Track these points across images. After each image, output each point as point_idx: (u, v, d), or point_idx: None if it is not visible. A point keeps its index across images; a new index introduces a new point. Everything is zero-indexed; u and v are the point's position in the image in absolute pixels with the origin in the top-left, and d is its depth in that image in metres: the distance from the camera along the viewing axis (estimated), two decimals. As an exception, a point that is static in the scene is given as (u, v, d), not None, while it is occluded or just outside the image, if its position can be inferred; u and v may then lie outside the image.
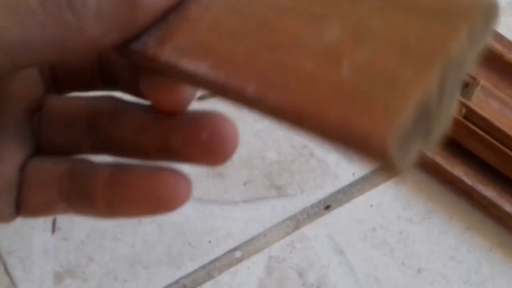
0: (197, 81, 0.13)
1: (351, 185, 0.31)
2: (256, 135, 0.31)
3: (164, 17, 0.14)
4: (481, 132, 0.28)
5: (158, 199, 0.16)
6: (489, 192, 0.29)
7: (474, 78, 0.30)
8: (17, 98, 0.17)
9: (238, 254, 0.31)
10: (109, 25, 0.13)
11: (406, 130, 0.10)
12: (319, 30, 0.12)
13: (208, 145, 0.16)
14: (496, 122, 0.28)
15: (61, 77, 0.18)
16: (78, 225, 0.30)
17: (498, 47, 0.30)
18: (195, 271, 0.30)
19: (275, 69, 0.12)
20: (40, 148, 0.18)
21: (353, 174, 0.31)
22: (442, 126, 0.12)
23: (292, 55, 0.12)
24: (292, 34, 0.12)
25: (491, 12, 0.11)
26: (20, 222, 0.30)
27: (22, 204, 0.18)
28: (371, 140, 0.10)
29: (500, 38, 0.30)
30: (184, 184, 0.17)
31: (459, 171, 0.29)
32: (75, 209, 0.18)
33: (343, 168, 0.31)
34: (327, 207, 0.31)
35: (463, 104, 0.28)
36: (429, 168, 0.30)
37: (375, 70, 0.10)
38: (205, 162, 0.17)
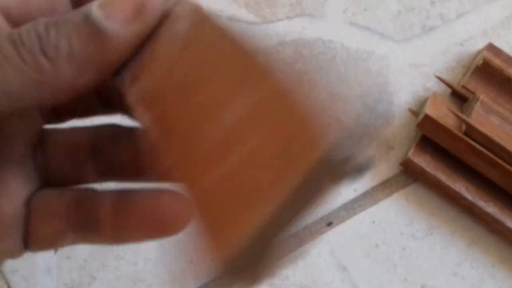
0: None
1: (353, 201, 0.31)
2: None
3: (138, 52, 0.15)
4: (481, 148, 0.28)
5: (161, 223, 0.17)
6: (490, 208, 0.29)
7: (473, 93, 0.31)
8: (16, 135, 0.17)
9: (240, 271, 0.31)
10: (82, 66, 0.14)
11: (238, 256, 0.11)
12: (225, 109, 0.12)
13: None
14: (496, 138, 0.28)
15: (58, 106, 0.18)
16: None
17: (497, 62, 0.30)
18: (198, 290, 0.30)
19: (188, 145, 0.12)
20: (45, 180, 0.18)
21: (355, 190, 0.31)
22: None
23: (202, 129, 0.12)
24: (208, 104, 0.12)
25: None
26: (23, 241, 0.30)
27: (30, 238, 0.18)
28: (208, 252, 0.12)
29: (498, 52, 0.31)
30: (184, 206, 0.17)
31: (460, 187, 0.29)
32: (82, 239, 0.18)
33: (344, 184, 0.31)
34: (329, 224, 0.31)
35: (463, 121, 0.28)
36: (430, 184, 0.30)
37: (237, 184, 0.11)
38: None
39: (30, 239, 0.18)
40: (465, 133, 0.28)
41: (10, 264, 0.30)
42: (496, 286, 0.30)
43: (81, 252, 0.30)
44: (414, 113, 0.31)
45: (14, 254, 0.18)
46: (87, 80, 0.14)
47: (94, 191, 0.18)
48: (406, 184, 0.31)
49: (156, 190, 0.17)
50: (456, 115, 0.29)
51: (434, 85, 0.32)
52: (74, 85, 0.14)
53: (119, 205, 0.18)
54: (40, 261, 0.30)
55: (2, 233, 0.17)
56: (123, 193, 0.18)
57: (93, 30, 0.14)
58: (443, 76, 0.32)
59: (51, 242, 0.18)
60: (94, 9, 0.14)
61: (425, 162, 0.29)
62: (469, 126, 0.28)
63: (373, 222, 0.31)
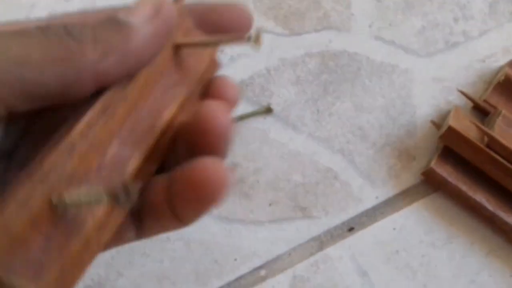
0: None
1: (374, 208, 0.32)
2: (281, 158, 0.32)
3: None
4: (503, 160, 0.29)
5: (209, 187, 0.17)
6: (510, 218, 0.30)
7: (494, 108, 0.32)
8: None
9: (263, 272, 0.31)
10: (106, 48, 0.15)
11: None
12: None
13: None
14: (517, 151, 0.29)
15: None
16: (109, 240, 0.31)
17: (518, 78, 0.31)
18: (221, 288, 0.31)
19: None
20: None
21: (377, 197, 0.32)
22: None
23: None
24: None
25: None
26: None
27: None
28: None
29: (519, 69, 0.32)
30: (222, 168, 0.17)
31: (481, 197, 0.30)
32: (146, 231, 0.21)
33: (366, 191, 0.32)
34: (351, 229, 0.32)
35: (485, 133, 0.29)
36: (451, 194, 0.31)
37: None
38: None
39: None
40: (487, 145, 0.29)
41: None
42: (514, 297, 0.31)
43: (109, 250, 0.31)
44: (436, 125, 0.32)
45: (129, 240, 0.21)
46: (110, 65, 0.15)
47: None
48: (426, 194, 0.32)
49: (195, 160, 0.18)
50: (478, 127, 0.29)
51: (456, 99, 0.33)
52: (98, 69, 0.15)
53: (169, 185, 0.18)
54: (69, 255, 0.31)
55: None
56: (170, 175, 0.19)
57: (117, 23, 0.16)
58: (465, 91, 0.33)
59: (117, 242, 0.20)
60: (119, 11, 0.16)
61: (446, 173, 0.30)
62: (491, 138, 0.29)
63: (394, 229, 0.32)
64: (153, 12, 0.16)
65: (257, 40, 0.17)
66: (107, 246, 0.18)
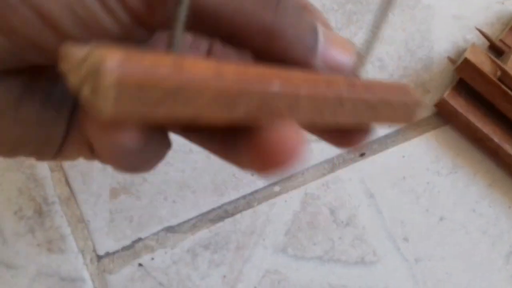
0: None
1: (386, 137, 0.34)
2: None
3: None
4: (513, 94, 0.30)
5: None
6: (514, 151, 0.32)
7: (510, 47, 0.33)
8: None
9: (277, 188, 0.33)
10: None
11: None
12: None
13: None
14: (528, 86, 0.30)
15: None
16: (135, 148, 0.33)
17: (537, 20, 0.32)
18: (237, 199, 0.33)
19: None
20: None
21: (389, 126, 0.34)
22: None
23: None
24: None
25: None
26: (83, 141, 0.33)
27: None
28: None
29: (539, 11, 0.33)
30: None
31: (488, 129, 0.32)
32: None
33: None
34: (362, 155, 0.34)
35: (498, 67, 0.31)
36: (461, 125, 0.32)
37: None
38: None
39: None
40: (499, 79, 0.31)
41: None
42: (510, 225, 0.33)
43: (135, 155, 0.33)
44: (452, 61, 0.33)
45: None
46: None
47: None
48: (437, 126, 0.34)
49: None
50: (493, 61, 0.31)
51: (474, 38, 0.34)
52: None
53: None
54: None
55: None
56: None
57: None
58: (483, 30, 0.34)
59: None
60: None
61: (458, 104, 0.32)
62: (504, 72, 0.30)
63: (403, 156, 0.34)
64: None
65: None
66: None
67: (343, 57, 0.17)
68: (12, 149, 0.18)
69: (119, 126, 0.13)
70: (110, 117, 0.11)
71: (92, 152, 0.20)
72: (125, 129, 0.13)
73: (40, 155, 0.19)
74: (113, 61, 0.10)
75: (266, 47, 0.15)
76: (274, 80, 0.13)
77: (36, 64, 0.16)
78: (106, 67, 0.10)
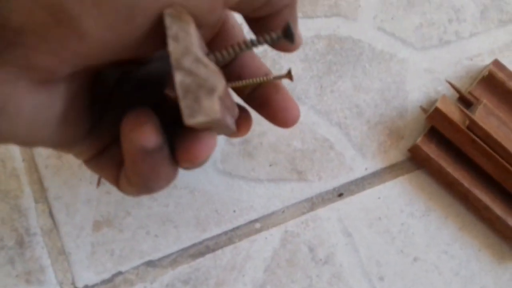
0: None
1: (363, 179, 0.35)
2: (285, 125, 0.36)
3: None
4: (480, 142, 0.32)
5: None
6: (483, 196, 0.33)
7: (477, 99, 0.35)
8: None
9: (258, 225, 0.34)
10: None
11: None
12: None
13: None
14: (494, 135, 0.32)
15: None
16: (121, 182, 0.34)
17: (501, 75, 0.35)
18: (218, 235, 0.34)
19: None
20: None
21: (366, 169, 0.36)
22: None
23: None
24: None
25: None
26: (70, 174, 0.34)
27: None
28: None
29: (502, 68, 0.36)
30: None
31: (459, 174, 0.34)
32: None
33: (357, 162, 0.36)
34: (340, 195, 0.35)
35: (467, 116, 0.33)
36: (433, 170, 0.34)
37: None
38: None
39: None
40: (468, 128, 0.33)
41: (55, 191, 0.34)
42: (480, 268, 0.34)
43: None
44: (425, 110, 0.36)
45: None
46: None
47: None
48: (410, 170, 0.36)
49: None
50: (462, 110, 0.33)
51: (444, 90, 0.37)
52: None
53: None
54: (83, 192, 0.34)
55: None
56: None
57: None
58: (453, 83, 0.36)
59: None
60: None
61: (430, 150, 0.34)
62: (472, 121, 0.33)
63: (379, 198, 0.35)
64: None
65: (290, 76, 0.24)
66: None
67: None
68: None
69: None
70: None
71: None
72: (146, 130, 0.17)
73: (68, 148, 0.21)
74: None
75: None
76: None
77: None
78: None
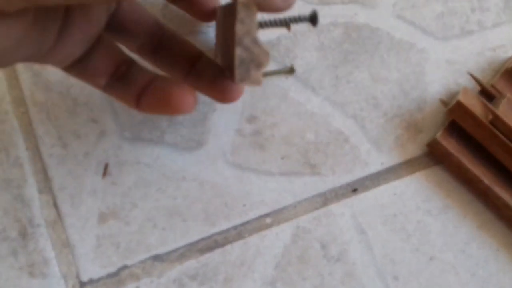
0: None
1: (379, 174, 0.34)
2: (298, 116, 0.34)
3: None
4: (503, 138, 0.31)
5: (170, 107, 0.25)
6: (503, 193, 0.32)
7: (500, 93, 0.34)
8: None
9: (268, 220, 0.33)
10: None
11: None
12: None
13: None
14: (518, 131, 0.31)
15: None
16: (127, 173, 0.33)
17: (526, 68, 0.33)
18: (227, 230, 0.33)
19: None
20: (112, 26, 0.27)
21: (382, 163, 0.34)
22: None
23: None
24: None
25: None
26: (75, 164, 0.33)
27: (88, 65, 0.26)
28: None
29: (528, 60, 0.34)
30: (191, 97, 0.24)
31: (479, 171, 0.32)
32: (112, 92, 0.27)
33: (373, 156, 0.34)
34: (355, 190, 0.34)
35: (490, 111, 0.31)
36: (452, 166, 0.33)
37: None
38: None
39: (88, 66, 0.26)
40: (491, 123, 0.31)
41: (59, 182, 0.33)
42: (498, 268, 0.33)
43: (127, 180, 0.33)
44: (444, 103, 0.34)
45: (70, 55, 0.25)
46: None
47: (141, 66, 0.27)
48: (428, 166, 0.34)
49: (175, 82, 0.25)
50: (484, 105, 0.32)
51: (465, 82, 0.35)
52: None
53: (149, 85, 0.26)
54: (88, 183, 0.33)
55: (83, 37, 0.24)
56: (155, 77, 0.26)
57: None
58: (474, 75, 0.35)
59: (94, 75, 0.26)
60: None
61: (450, 145, 0.33)
62: (495, 116, 0.31)
63: (395, 194, 0.34)
64: None
65: (314, 19, 0.27)
66: None
67: None
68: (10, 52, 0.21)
69: None
70: None
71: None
72: None
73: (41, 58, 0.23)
74: None
75: None
76: None
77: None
78: None
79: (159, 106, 0.25)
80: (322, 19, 0.35)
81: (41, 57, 0.23)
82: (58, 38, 0.23)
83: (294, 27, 0.35)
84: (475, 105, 0.32)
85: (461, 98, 0.32)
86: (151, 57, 0.28)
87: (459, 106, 0.31)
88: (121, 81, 0.26)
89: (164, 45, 0.27)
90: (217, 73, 0.27)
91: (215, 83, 0.27)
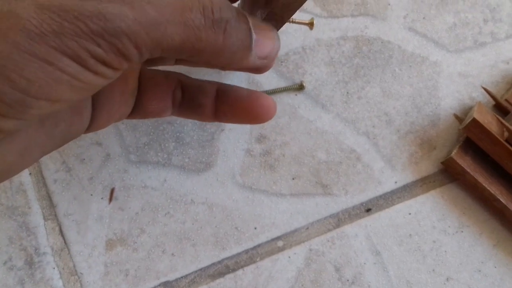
0: None
1: (393, 193, 0.33)
2: (308, 134, 0.33)
3: None
4: (521, 156, 0.30)
5: (254, 115, 0.25)
6: (521, 213, 0.31)
7: (516, 107, 0.33)
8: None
9: (280, 243, 0.32)
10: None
11: None
12: None
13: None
14: (536, 149, 0.30)
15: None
16: (134, 198, 0.32)
17: (542, 82, 0.33)
18: (238, 254, 0.32)
19: None
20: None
21: (396, 182, 0.33)
22: None
23: None
24: None
25: None
26: (80, 189, 0.32)
27: (139, 109, 0.25)
28: None
29: (544, 73, 0.33)
30: (272, 105, 0.25)
31: (495, 190, 0.31)
32: (183, 115, 0.27)
33: (386, 175, 0.33)
34: (368, 210, 0.33)
35: (506, 128, 0.31)
36: (467, 184, 0.32)
37: None
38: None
39: (139, 110, 0.25)
40: (506, 140, 0.30)
41: (64, 208, 0.32)
42: (516, 287, 0.32)
43: (134, 205, 0.32)
44: (459, 118, 0.33)
45: (122, 117, 0.25)
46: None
47: (196, 79, 0.26)
48: (443, 183, 0.33)
49: (251, 91, 0.25)
50: (499, 121, 0.31)
51: (479, 96, 0.34)
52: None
53: (220, 95, 0.26)
54: (94, 209, 0.32)
55: (123, 99, 0.24)
56: (223, 86, 0.26)
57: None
58: (488, 89, 0.34)
59: (156, 114, 0.26)
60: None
61: (465, 163, 0.32)
62: (511, 133, 0.30)
63: (409, 213, 0.33)
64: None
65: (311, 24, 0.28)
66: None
67: (269, 45, 0.22)
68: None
69: None
70: None
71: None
72: None
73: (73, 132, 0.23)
74: None
75: (213, 60, 0.21)
76: None
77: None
78: None
79: (242, 116, 0.25)
80: (331, 33, 0.34)
81: (86, 130, 0.23)
82: (96, 114, 0.23)
83: (303, 40, 0.34)
84: (491, 121, 0.31)
85: (477, 115, 0.31)
86: (178, 112, 0.27)
87: (475, 124, 0.31)
88: (187, 104, 0.26)
89: (186, 97, 0.26)
90: (245, 97, 0.26)
91: (245, 107, 0.26)
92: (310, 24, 0.28)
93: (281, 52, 0.34)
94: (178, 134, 0.33)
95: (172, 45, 0.18)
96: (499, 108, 0.34)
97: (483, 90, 0.34)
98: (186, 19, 0.18)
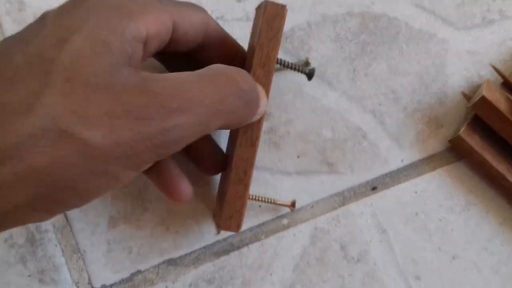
0: None
1: (399, 171, 0.33)
2: (313, 112, 0.33)
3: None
4: (530, 134, 0.30)
5: (170, 194, 0.27)
6: (529, 191, 0.31)
7: (524, 85, 0.33)
8: None
9: (285, 221, 0.32)
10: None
11: None
12: None
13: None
14: (545, 126, 0.30)
15: None
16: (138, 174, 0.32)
17: (551, 59, 0.32)
18: (243, 232, 0.32)
19: None
20: None
21: (402, 160, 0.33)
22: None
23: None
24: None
25: None
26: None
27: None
28: None
29: (553, 50, 0.32)
30: (186, 194, 0.26)
31: (503, 168, 0.31)
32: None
33: (393, 153, 0.33)
34: (374, 188, 0.33)
35: (515, 105, 0.30)
36: (475, 163, 0.32)
37: None
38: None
39: None
40: (516, 117, 0.30)
41: (67, 185, 0.31)
42: (522, 266, 0.32)
43: (137, 183, 0.32)
44: (466, 96, 0.33)
45: None
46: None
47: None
48: (450, 161, 0.33)
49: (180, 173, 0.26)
50: (509, 100, 0.30)
51: (487, 74, 0.34)
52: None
53: (161, 167, 0.26)
54: (97, 185, 0.31)
55: None
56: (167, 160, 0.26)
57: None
58: (497, 67, 0.33)
59: None
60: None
61: (473, 141, 0.31)
62: (521, 110, 0.30)
63: (415, 192, 0.33)
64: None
65: (293, 206, 0.31)
66: None
67: (265, 103, 0.25)
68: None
69: None
70: None
71: None
72: None
73: None
74: None
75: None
76: None
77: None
78: None
79: (161, 190, 0.27)
80: (337, 9, 0.34)
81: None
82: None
83: (308, 16, 0.33)
84: (499, 99, 0.31)
85: (486, 93, 0.30)
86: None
87: (483, 101, 0.30)
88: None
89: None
90: (173, 176, 0.27)
91: (166, 184, 0.27)
92: (292, 206, 0.31)
93: (286, 27, 0.33)
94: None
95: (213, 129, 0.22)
96: (507, 86, 0.33)
97: (491, 68, 0.34)
98: (227, 106, 0.21)
